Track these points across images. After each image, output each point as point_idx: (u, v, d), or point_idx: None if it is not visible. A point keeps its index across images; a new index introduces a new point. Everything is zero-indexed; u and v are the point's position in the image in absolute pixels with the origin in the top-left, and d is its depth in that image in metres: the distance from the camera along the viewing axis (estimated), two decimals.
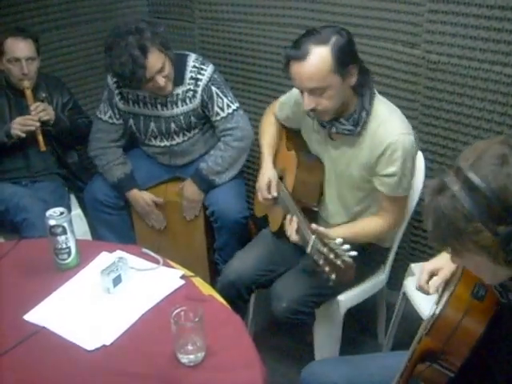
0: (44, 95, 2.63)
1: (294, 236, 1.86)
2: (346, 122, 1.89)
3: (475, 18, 2.02)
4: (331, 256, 1.56)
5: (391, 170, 1.88)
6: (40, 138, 2.51)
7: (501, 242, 0.97)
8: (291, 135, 2.28)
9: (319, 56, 1.76)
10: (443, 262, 1.48)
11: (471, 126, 2.20)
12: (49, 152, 2.66)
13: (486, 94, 2.10)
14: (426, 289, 1.50)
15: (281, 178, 2.20)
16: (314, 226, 1.77)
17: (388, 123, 1.87)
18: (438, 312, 1.23)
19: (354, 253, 1.56)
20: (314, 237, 1.69)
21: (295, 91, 2.09)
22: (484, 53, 2.05)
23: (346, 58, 1.79)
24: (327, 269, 1.58)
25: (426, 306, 1.93)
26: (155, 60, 2.32)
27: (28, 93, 2.52)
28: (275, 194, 2.16)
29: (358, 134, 1.90)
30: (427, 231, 1.08)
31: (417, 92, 2.30)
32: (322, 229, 1.76)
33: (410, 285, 2.10)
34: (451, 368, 1.22)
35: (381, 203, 1.98)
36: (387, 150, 1.85)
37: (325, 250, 1.59)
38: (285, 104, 2.22)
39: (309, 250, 1.70)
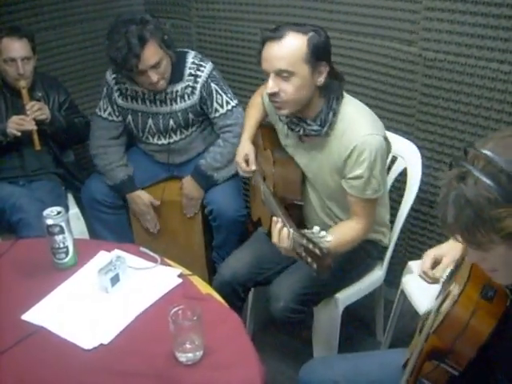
0: (40, 94, 2.62)
1: (275, 239, 1.77)
2: (313, 122, 1.89)
3: (472, 15, 2.02)
4: (310, 246, 1.54)
5: (358, 172, 1.85)
6: (35, 137, 2.50)
7: None
8: (266, 134, 2.26)
9: (295, 40, 1.77)
10: (446, 249, 1.48)
11: (468, 124, 2.20)
12: (45, 151, 2.66)
13: (482, 91, 2.10)
14: (429, 275, 1.49)
15: (264, 179, 2.19)
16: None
17: (355, 125, 1.85)
18: (445, 310, 1.21)
19: (329, 238, 1.53)
20: (292, 230, 1.66)
21: None
22: (481, 50, 2.05)
23: (319, 53, 1.79)
24: (309, 259, 1.55)
25: (423, 303, 1.93)
26: (151, 54, 2.31)
27: (24, 92, 2.51)
28: (254, 167, 2.18)
29: (325, 134, 1.88)
30: (445, 224, 1.03)
31: (414, 90, 2.30)
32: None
33: (407, 282, 2.10)
34: (456, 367, 1.22)
35: (351, 207, 1.94)
36: (354, 153, 1.83)
37: (304, 241, 1.56)
38: (264, 98, 2.19)
39: (290, 243, 1.67)
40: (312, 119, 1.89)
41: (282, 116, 1.94)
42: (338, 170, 1.92)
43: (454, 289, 1.26)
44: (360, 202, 1.91)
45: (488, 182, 0.95)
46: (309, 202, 2.11)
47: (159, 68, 2.37)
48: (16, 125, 2.46)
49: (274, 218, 1.79)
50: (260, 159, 2.24)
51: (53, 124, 2.58)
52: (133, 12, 3.05)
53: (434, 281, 1.50)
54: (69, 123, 2.68)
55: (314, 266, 1.54)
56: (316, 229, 1.57)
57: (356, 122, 1.85)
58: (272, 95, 1.84)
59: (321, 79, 1.83)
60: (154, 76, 2.36)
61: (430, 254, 1.52)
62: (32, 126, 2.48)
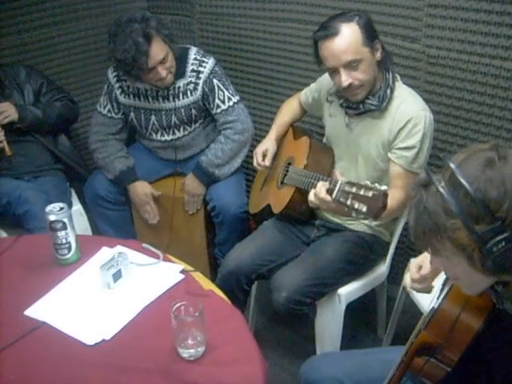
0: (8, 91, 2.56)
1: (322, 193, 1.76)
2: (372, 97, 1.98)
3: (475, 12, 2.02)
4: (361, 192, 1.57)
5: (411, 142, 1.94)
6: (5, 144, 2.45)
7: (477, 241, 0.98)
8: (298, 129, 2.41)
9: (350, 30, 1.87)
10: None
11: (471, 121, 2.19)
12: (43, 147, 2.65)
13: (485, 88, 2.10)
14: (416, 280, 1.50)
15: (289, 164, 2.26)
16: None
17: (410, 100, 1.98)
18: (436, 306, 1.23)
19: (385, 187, 1.56)
20: (340, 180, 1.69)
21: (320, 79, 2.24)
22: (484, 47, 2.05)
23: (370, 32, 1.91)
24: (356, 205, 1.58)
25: (426, 300, 1.92)
26: (158, 49, 2.32)
27: None
28: (268, 163, 2.30)
29: (382, 109, 1.98)
30: (409, 227, 1.09)
31: (416, 86, 2.29)
32: None
33: (409, 279, 2.10)
34: (448, 362, 1.23)
35: (392, 180, 1.99)
36: (409, 123, 1.93)
37: (353, 189, 1.60)
38: (308, 90, 2.35)
39: (334, 194, 1.68)
40: (372, 95, 1.98)
41: (358, 101, 2.00)
42: (385, 144, 2.00)
43: (446, 287, 1.27)
44: (403, 175, 1.97)
45: (445, 194, 1.00)
46: None
47: (166, 63, 2.38)
48: None
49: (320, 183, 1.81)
50: (286, 148, 2.35)
51: (25, 120, 2.52)
52: (131, 11, 3.04)
53: (426, 288, 1.50)
54: (47, 110, 2.61)
55: (364, 208, 1.56)
56: (367, 181, 1.60)
57: (411, 99, 1.99)
58: (347, 87, 1.93)
59: (378, 55, 1.95)
60: (162, 71, 2.37)
61: (414, 261, 1.53)
62: (0, 136, 2.44)
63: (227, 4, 2.84)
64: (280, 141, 2.40)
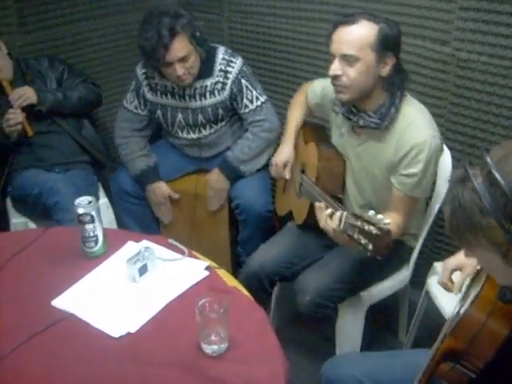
0: (29, 78, 2.62)
1: (322, 222, 1.80)
2: (374, 114, 1.90)
3: (508, 16, 2.00)
4: (366, 227, 1.56)
5: (413, 170, 1.87)
6: (25, 125, 2.52)
7: None
8: (308, 129, 2.33)
9: (366, 28, 1.81)
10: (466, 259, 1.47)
11: (500, 126, 2.17)
12: (69, 136, 2.70)
13: None
14: (449, 286, 1.50)
15: (302, 171, 2.23)
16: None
17: (416, 124, 1.87)
18: (462, 311, 1.22)
19: (387, 220, 1.55)
20: (345, 213, 1.68)
21: (325, 83, 2.14)
22: None
23: (387, 44, 1.82)
24: (363, 241, 1.57)
25: (448, 304, 1.92)
26: (180, 46, 2.33)
27: (5, 85, 2.53)
28: (288, 176, 2.26)
29: (384, 129, 1.90)
30: (444, 220, 1.08)
31: (445, 90, 2.29)
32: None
33: (432, 283, 2.09)
34: (473, 369, 1.22)
35: (393, 202, 1.96)
36: (412, 151, 1.85)
37: (358, 222, 1.58)
38: (313, 92, 2.26)
39: (341, 226, 1.69)
40: (373, 111, 1.90)
41: (342, 101, 1.94)
42: (389, 165, 1.94)
43: (473, 291, 1.26)
44: (405, 200, 1.93)
45: (481, 192, 0.99)
46: (346, 197, 2.12)
47: (186, 62, 2.38)
48: (6, 123, 2.48)
49: (320, 204, 1.82)
50: (300, 153, 2.28)
51: (44, 102, 2.57)
52: (168, 5, 3.08)
53: (456, 293, 1.50)
54: (67, 92, 2.65)
55: (370, 246, 1.55)
56: (372, 212, 1.58)
57: (418, 122, 1.88)
58: (334, 78, 1.87)
59: (385, 70, 1.85)
60: (179, 69, 2.37)
61: (449, 266, 1.51)
62: (20, 117, 2.49)
63: (257, 3, 2.85)
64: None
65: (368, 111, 1.91)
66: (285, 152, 2.29)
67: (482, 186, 0.99)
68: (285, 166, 2.27)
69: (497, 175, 0.98)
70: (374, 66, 1.83)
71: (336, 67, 1.85)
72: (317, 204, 1.83)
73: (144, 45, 2.33)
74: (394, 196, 1.95)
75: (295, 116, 2.33)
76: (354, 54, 1.81)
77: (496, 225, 0.98)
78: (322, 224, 1.80)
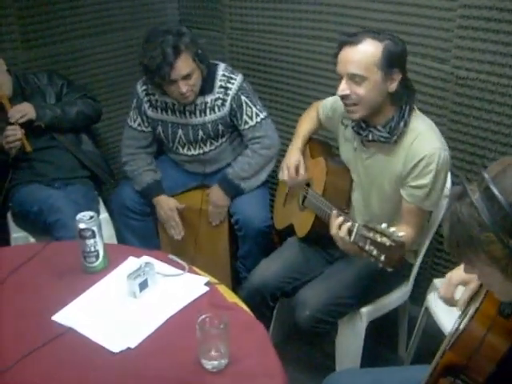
0: (27, 93, 2.64)
1: (334, 230, 1.81)
2: (383, 128, 1.92)
3: (505, 34, 2.03)
4: (379, 239, 1.57)
5: (422, 182, 1.89)
6: (24, 141, 2.52)
7: (511, 254, 0.98)
8: (315, 145, 2.36)
9: (371, 46, 1.83)
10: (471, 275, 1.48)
11: (498, 143, 2.19)
12: (67, 152, 2.71)
13: None
14: (452, 302, 1.49)
15: (308, 185, 2.24)
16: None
17: (425, 136, 1.90)
18: (462, 327, 1.23)
19: (402, 233, 1.56)
20: (357, 224, 1.69)
21: (336, 98, 2.15)
22: None
23: (393, 60, 1.84)
24: (375, 252, 1.58)
25: (448, 321, 1.92)
26: (184, 64, 2.36)
27: (4, 101, 2.53)
28: (304, 177, 2.24)
29: (393, 142, 1.92)
30: (443, 237, 1.09)
31: (444, 107, 2.31)
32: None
33: (432, 300, 2.10)
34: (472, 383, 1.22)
35: (404, 215, 1.98)
36: (422, 162, 1.87)
37: (371, 234, 1.60)
38: (325, 106, 2.29)
39: (352, 237, 1.70)
40: (382, 125, 1.92)
41: (353, 119, 1.97)
42: (398, 178, 1.95)
43: (472, 306, 1.27)
44: (415, 212, 1.95)
45: (479, 207, 0.99)
46: (352, 212, 2.14)
47: (189, 80, 2.41)
48: (5, 140, 2.50)
49: (334, 212, 1.84)
50: (306, 166, 2.29)
51: (43, 117, 2.58)
52: (163, 25, 3.11)
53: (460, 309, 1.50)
54: (65, 108, 2.66)
55: (382, 257, 1.57)
56: (384, 225, 1.60)
57: (427, 135, 1.90)
58: (343, 97, 1.90)
59: (393, 86, 1.88)
60: (183, 87, 2.40)
61: (454, 281, 1.50)
62: (19, 134, 2.50)
63: (258, 20, 2.88)
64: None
65: (377, 125, 1.93)
66: (293, 155, 2.29)
67: (480, 201, 1.00)
68: (297, 168, 2.26)
69: (494, 190, 0.99)
70: (381, 83, 1.86)
71: (344, 87, 1.88)
72: (334, 213, 1.85)
73: (148, 63, 2.35)
74: (404, 209, 1.97)
75: (304, 127, 2.35)
76: (361, 74, 1.83)
77: (495, 239, 0.98)
78: (332, 231, 1.82)
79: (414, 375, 1.53)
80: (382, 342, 2.56)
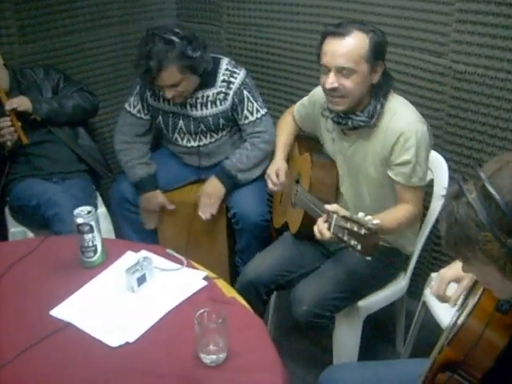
0: (23, 87, 2.64)
1: (319, 233, 1.80)
2: (361, 113, 1.93)
3: (503, 28, 2.03)
4: (355, 228, 1.58)
5: (405, 157, 1.91)
6: (20, 132, 2.52)
7: (509, 253, 0.98)
8: (302, 141, 2.37)
9: (359, 39, 1.84)
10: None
11: (496, 137, 2.19)
12: (64, 146, 2.70)
13: None
14: (445, 299, 1.50)
15: (297, 181, 2.25)
16: (334, 206, 1.78)
17: (401, 113, 1.92)
18: (460, 322, 1.23)
19: (376, 221, 1.57)
20: (335, 216, 1.70)
21: (312, 93, 2.19)
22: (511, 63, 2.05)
23: (378, 52, 1.87)
24: (352, 242, 1.59)
25: (445, 315, 1.93)
26: (168, 76, 2.38)
27: (1, 95, 2.53)
28: (283, 178, 2.25)
29: (372, 126, 1.94)
30: (441, 236, 1.09)
31: (442, 101, 2.31)
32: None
33: (430, 294, 2.10)
34: (471, 379, 1.23)
35: (400, 196, 1.99)
36: (400, 138, 1.89)
37: (348, 224, 1.61)
38: (301, 105, 2.31)
39: (332, 228, 1.71)
40: (360, 111, 1.94)
41: (337, 111, 1.97)
42: (382, 160, 1.97)
43: (471, 301, 1.27)
44: (407, 190, 1.96)
45: (476, 206, 0.99)
46: (343, 204, 2.13)
47: (177, 87, 2.43)
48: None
49: (320, 219, 1.81)
50: (294, 163, 2.30)
51: (39, 110, 2.58)
52: (160, 19, 3.12)
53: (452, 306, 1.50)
54: (62, 101, 2.67)
55: (359, 247, 1.58)
56: (361, 214, 1.61)
57: (402, 112, 1.93)
58: (331, 90, 1.89)
59: (376, 78, 1.90)
60: (169, 93, 2.43)
61: (446, 278, 1.51)
62: (11, 128, 2.50)
63: (255, 14, 2.87)
64: (289, 155, 2.38)
65: (356, 112, 1.95)
66: (274, 164, 2.32)
67: (477, 201, 1.00)
68: (277, 173, 2.27)
69: (491, 189, 0.99)
70: (368, 75, 1.88)
71: (332, 80, 1.87)
72: (320, 219, 1.84)
73: (138, 66, 2.40)
74: (397, 190, 1.99)
75: (283, 135, 2.38)
76: (350, 67, 1.84)
77: (492, 238, 0.98)
78: (316, 236, 1.82)
79: (411, 369, 1.53)
80: (379, 337, 2.57)
